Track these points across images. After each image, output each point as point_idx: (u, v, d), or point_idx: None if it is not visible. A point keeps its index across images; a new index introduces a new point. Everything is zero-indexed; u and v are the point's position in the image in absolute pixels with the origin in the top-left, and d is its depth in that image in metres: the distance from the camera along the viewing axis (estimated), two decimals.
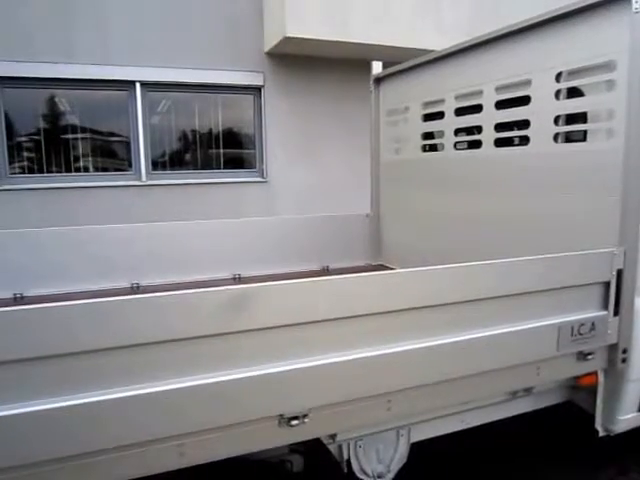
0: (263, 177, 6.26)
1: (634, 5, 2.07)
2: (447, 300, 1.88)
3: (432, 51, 3.61)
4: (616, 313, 2.24)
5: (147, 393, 1.47)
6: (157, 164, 5.97)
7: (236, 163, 6.35)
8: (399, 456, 2.32)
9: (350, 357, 1.75)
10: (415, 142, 3.51)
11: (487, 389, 2.08)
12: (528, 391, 2.46)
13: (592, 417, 2.54)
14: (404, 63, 3.46)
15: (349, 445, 2.18)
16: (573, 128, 2.50)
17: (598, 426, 2.52)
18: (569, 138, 2.54)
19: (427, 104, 3.36)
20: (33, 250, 3.00)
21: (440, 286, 1.87)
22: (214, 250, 3.47)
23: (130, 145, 5.78)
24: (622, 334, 2.26)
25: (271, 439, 1.72)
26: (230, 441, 1.64)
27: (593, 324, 2.18)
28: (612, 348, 2.28)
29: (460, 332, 1.92)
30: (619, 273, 2.21)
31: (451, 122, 3.17)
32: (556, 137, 2.54)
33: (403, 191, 3.68)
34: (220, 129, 6.21)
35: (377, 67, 3.79)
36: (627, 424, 2.50)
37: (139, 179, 5.80)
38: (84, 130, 5.72)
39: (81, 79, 5.46)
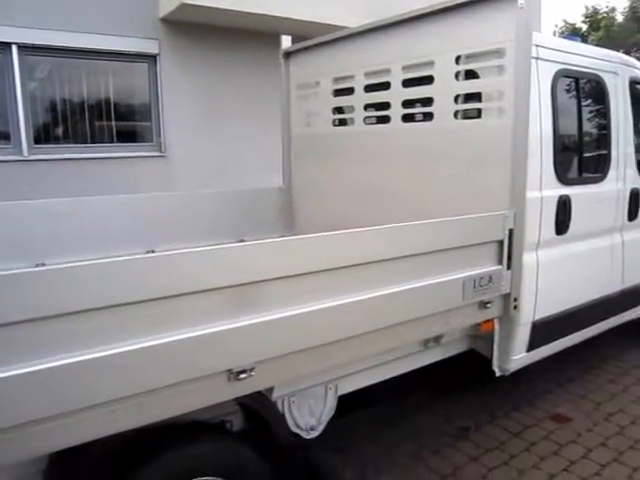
0: (161, 151, 6.26)
1: (519, 1, 2.55)
2: (365, 260, 2.24)
3: (339, 27, 3.96)
4: (509, 267, 2.78)
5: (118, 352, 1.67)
6: (40, 137, 5.73)
7: (131, 136, 6.28)
8: (328, 409, 2.70)
9: (286, 314, 2.04)
10: (326, 116, 3.86)
11: (406, 337, 2.51)
12: (437, 342, 2.95)
13: (490, 361, 3.12)
14: (315, 39, 3.77)
15: (283, 402, 2.51)
16: (470, 106, 2.99)
17: (495, 367, 3.09)
18: (467, 115, 3.03)
19: (337, 80, 3.70)
20: None
21: (356, 247, 2.22)
22: (125, 226, 3.54)
23: (7, 116, 5.50)
24: (514, 285, 2.81)
25: (222, 393, 1.98)
26: (185, 397, 1.87)
27: (490, 277, 2.70)
28: (506, 297, 2.82)
29: (380, 288, 2.30)
30: (510, 232, 2.75)
31: (361, 98, 3.55)
32: (456, 114, 3.01)
33: (314, 164, 4.02)
34: (112, 99, 6.09)
35: (286, 41, 4.05)
36: (519, 363, 3.11)
37: (19, 153, 5.55)
38: None
39: None
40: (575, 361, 4.07)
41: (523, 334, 3.05)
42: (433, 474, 2.87)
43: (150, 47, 6.05)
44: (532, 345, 3.11)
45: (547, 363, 3.46)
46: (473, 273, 2.62)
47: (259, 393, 2.22)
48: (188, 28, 6.18)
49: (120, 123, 6.19)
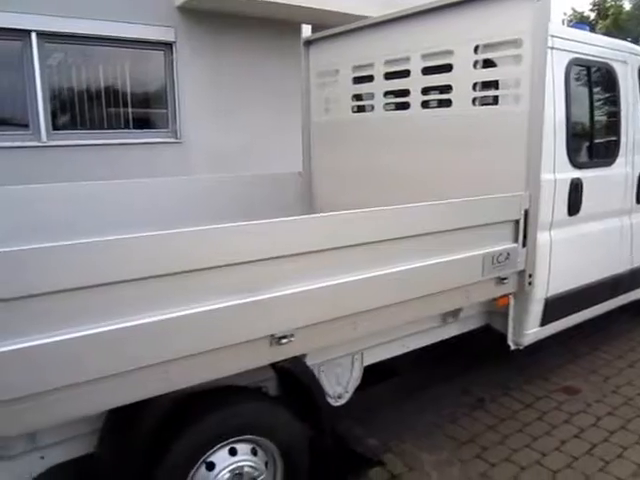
0: (177, 138, 6.47)
1: None
2: (396, 235, 2.47)
3: (358, 17, 4.16)
4: (524, 245, 3.01)
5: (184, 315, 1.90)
6: (59, 124, 5.94)
7: (147, 123, 6.49)
8: (354, 378, 2.94)
9: (323, 285, 2.27)
10: (345, 103, 4.07)
11: (431, 309, 2.76)
12: (456, 317, 3.19)
13: (504, 337, 3.36)
14: (336, 28, 3.97)
15: (314, 370, 2.74)
16: (487, 93, 3.21)
17: (510, 341, 3.33)
18: (484, 102, 3.24)
19: (357, 67, 3.91)
20: None
21: (387, 224, 2.45)
22: (145, 209, 3.76)
23: (26, 103, 5.70)
24: (528, 262, 3.05)
25: (264, 356, 2.21)
26: (233, 359, 2.11)
27: (508, 254, 2.93)
28: (521, 274, 3.06)
29: (408, 262, 2.53)
30: (526, 213, 2.98)
31: (381, 85, 3.76)
32: (474, 101, 3.22)
33: (334, 150, 4.24)
34: (129, 86, 6.29)
35: (307, 30, 4.25)
36: (532, 337, 3.34)
37: (38, 140, 5.76)
38: None
39: None
40: (584, 338, 4.33)
41: (537, 309, 3.28)
42: (452, 441, 3.11)
43: (166, 35, 6.24)
44: (545, 320, 3.34)
45: (558, 339, 3.71)
46: (492, 250, 2.86)
47: (300, 360, 2.45)
48: (204, 16, 6.37)
49: (136, 110, 6.40)
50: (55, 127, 5.91)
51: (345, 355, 2.85)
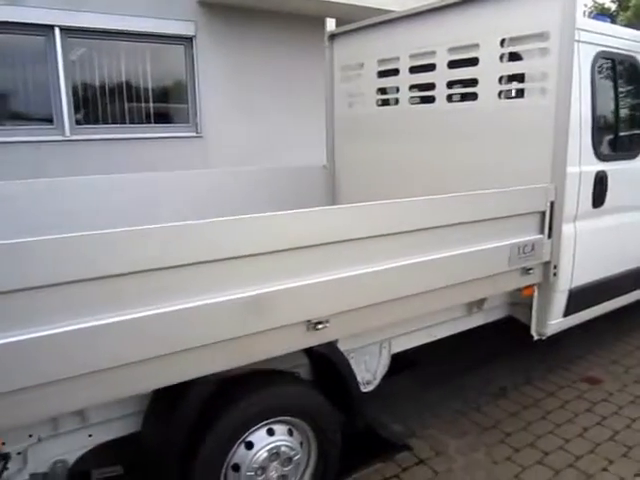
0: (197, 132, 6.59)
1: None
2: (428, 225, 2.56)
3: (382, 11, 4.23)
4: (549, 236, 3.08)
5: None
6: (82, 119, 6.08)
7: (168, 117, 6.62)
8: (382, 365, 3.04)
9: (357, 272, 2.36)
10: (370, 97, 4.15)
11: (459, 298, 2.85)
12: (480, 307, 3.28)
13: (527, 328, 3.43)
14: (360, 22, 4.05)
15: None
16: (514, 87, 3.27)
17: (533, 331, 3.40)
18: (510, 95, 3.32)
19: (382, 61, 3.98)
20: None
21: (421, 214, 2.54)
22: (169, 202, 3.87)
23: (50, 97, 5.84)
24: (554, 253, 3.12)
25: (301, 341, 2.31)
26: (272, 343, 2.21)
27: (533, 245, 3.01)
28: (546, 265, 3.14)
29: (439, 252, 2.62)
30: (552, 204, 3.05)
31: (406, 79, 3.84)
32: (500, 94, 3.29)
33: (358, 143, 4.32)
34: (150, 81, 6.42)
35: (331, 24, 4.33)
36: (555, 328, 3.42)
37: (62, 134, 5.90)
38: None
39: None
40: (606, 329, 4.40)
41: (560, 300, 3.36)
42: (476, 427, 3.21)
43: (187, 29, 6.36)
44: (568, 311, 3.41)
45: (579, 331, 3.78)
46: (518, 241, 2.93)
47: (334, 346, 2.55)
48: (225, 10, 6.47)
49: (157, 104, 6.52)
50: (78, 122, 6.05)
51: (374, 343, 2.94)
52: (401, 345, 3.09)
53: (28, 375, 1.66)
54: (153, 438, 2.29)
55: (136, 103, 6.41)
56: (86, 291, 1.74)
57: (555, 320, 3.39)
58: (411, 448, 3.01)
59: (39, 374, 1.67)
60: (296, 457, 2.42)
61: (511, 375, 3.79)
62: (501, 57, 3.24)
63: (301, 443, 2.48)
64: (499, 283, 2.95)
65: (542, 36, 3.03)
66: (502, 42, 3.22)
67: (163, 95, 6.59)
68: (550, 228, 3.08)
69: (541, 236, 3.06)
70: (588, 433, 3.12)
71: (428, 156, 3.73)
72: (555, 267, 3.17)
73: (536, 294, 3.31)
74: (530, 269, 3.05)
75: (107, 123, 6.25)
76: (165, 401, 2.26)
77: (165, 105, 6.62)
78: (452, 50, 3.50)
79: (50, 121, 5.90)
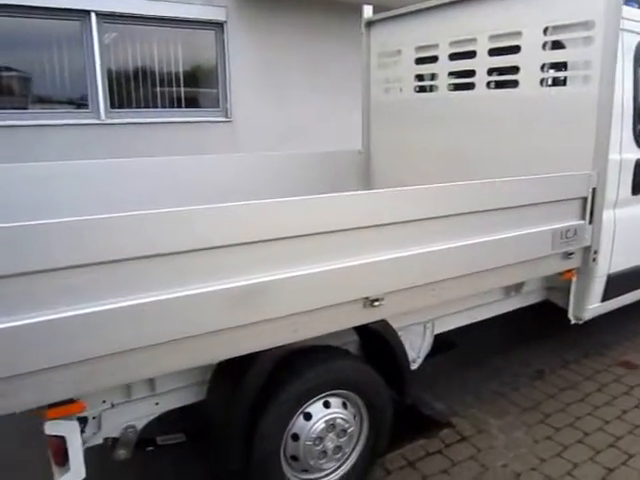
0: (227, 117, 6.73)
1: None
2: (476, 209, 2.68)
3: None
4: (590, 222, 3.19)
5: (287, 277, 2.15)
6: (116, 102, 6.23)
7: (199, 102, 6.77)
8: (426, 345, 3.17)
9: (411, 253, 2.49)
10: (407, 83, 4.24)
11: (504, 280, 2.98)
12: (519, 291, 3.40)
13: (563, 312, 3.55)
14: (399, 9, 4.13)
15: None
16: (557, 74, 3.36)
17: (570, 315, 3.51)
18: (552, 82, 3.40)
19: (421, 48, 4.07)
20: None
21: (469, 198, 2.66)
22: (203, 185, 3.94)
23: (86, 82, 5.99)
24: (594, 239, 3.23)
25: (358, 317, 2.45)
26: (334, 318, 2.35)
27: (575, 230, 3.11)
28: (586, 250, 3.24)
29: (487, 235, 2.74)
30: (594, 191, 3.15)
31: (445, 66, 3.93)
32: (542, 81, 3.38)
33: (394, 129, 4.42)
34: (181, 66, 6.56)
35: (368, 11, 4.42)
36: (593, 312, 3.52)
37: (97, 117, 6.06)
38: (27, 64, 5.83)
39: (25, 5, 5.53)
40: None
41: (599, 285, 3.47)
42: (516, 407, 3.34)
43: (218, 14, 6.47)
44: (606, 296, 3.52)
45: (614, 316, 3.89)
46: (561, 226, 3.04)
47: (387, 323, 2.68)
48: None
49: (188, 89, 6.66)
50: (112, 105, 6.20)
51: (419, 323, 3.08)
52: (443, 326, 3.22)
53: (111, 342, 1.81)
54: (217, 407, 2.45)
55: (167, 87, 6.55)
56: (156, 266, 1.88)
57: (593, 305, 3.49)
58: (453, 426, 3.15)
59: (120, 342, 1.83)
60: (350, 429, 2.57)
61: (547, 358, 3.92)
62: (544, 45, 3.32)
63: (354, 416, 2.62)
64: (541, 266, 3.06)
65: (586, 25, 3.10)
66: (545, 30, 3.30)
67: (193, 80, 6.73)
68: (591, 214, 3.18)
69: (583, 222, 3.16)
70: (627, 415, 3.24)
71: (466, 142, 3.82)
72: (595, 252, 3.27)
73: (575, 279, 3.43)
74: (571, 254, 3.16)
75: (139, 107, 6.41)
76: (230, 372, 2.41)
77: (195, 90, 6.76)
78: (493, 38, 3.57)
79: (85, 105, 6.06)
